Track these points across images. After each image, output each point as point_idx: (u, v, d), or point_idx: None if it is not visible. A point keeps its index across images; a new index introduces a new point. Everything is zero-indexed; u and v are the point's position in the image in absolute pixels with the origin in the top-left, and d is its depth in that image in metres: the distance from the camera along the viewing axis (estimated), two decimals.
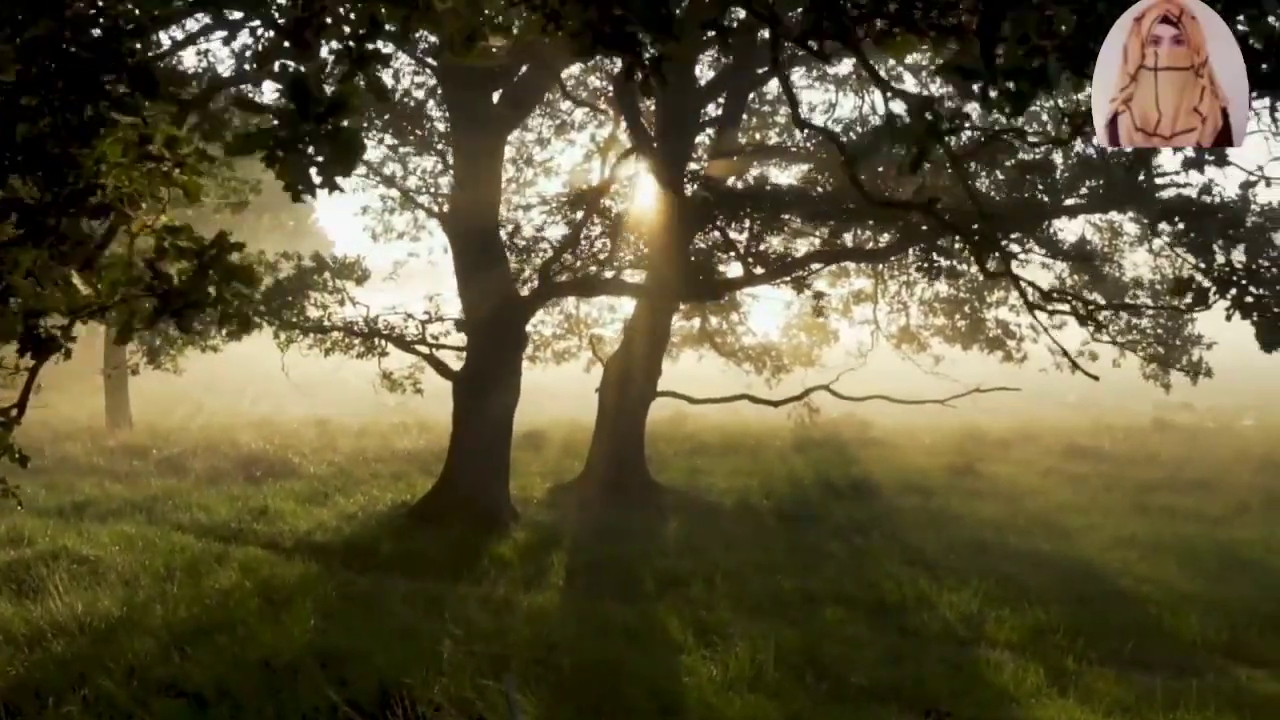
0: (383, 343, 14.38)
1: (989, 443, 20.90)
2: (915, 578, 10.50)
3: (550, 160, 19.70)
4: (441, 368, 13.79)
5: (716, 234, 12.26)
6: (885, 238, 12.77)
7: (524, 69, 12.70)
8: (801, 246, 12.95)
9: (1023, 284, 9.54)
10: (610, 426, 15.69)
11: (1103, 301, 13.74)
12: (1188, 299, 4.44)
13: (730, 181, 15.12)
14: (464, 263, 13.22)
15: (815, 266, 12.40)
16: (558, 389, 27.54)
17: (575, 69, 18.14)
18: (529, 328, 21.65)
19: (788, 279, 11.96)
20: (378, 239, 19.68)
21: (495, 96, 13.09)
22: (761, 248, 11.99)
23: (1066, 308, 11.26)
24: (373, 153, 17.16)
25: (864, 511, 14.47)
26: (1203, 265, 6.45)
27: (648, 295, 13.81)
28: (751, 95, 20.87)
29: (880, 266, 18.48)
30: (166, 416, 24.56)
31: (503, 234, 14.59)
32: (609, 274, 15.64)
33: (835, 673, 7.49)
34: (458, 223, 13.15)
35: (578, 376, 22.13)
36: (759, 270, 11.84)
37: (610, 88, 17.86)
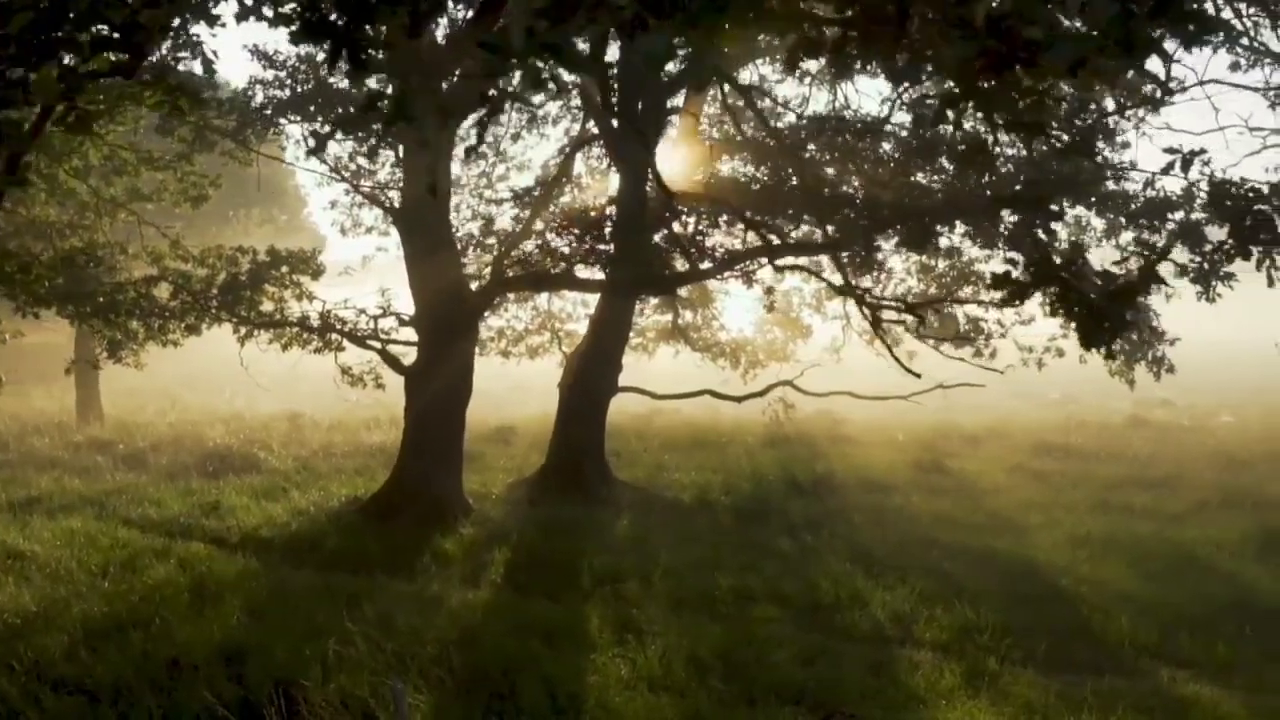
0: (338, 338, 14.28)
1: (960, 439, 20.78)
2: (854, 576, 10.41)
3: (524, 155, 19.61)
4: (394, 363, 13.72)
5: (665, 229, 12.15)
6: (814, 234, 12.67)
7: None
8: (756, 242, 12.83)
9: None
10: (570, 422, 15.61)
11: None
12: (1004, 294, 4.30)
13: (698, 177, 15.02)
14: (415, 258, 13.14)
15: (763, 261, 12.29)
16: (534, 384, 27.47)
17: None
18: (502, 323, 21.69)
19: (735, 273, 11.85)
20: (346, 233, 19.58)
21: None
22: (710, 243, 11.92)
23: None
24: (333, 147, 17.07)
25: (822, 508, 14.37)
26: (1018, 259, 6.32)
27: (599, 289, 13.71)
28: (726, 89, 20.82)
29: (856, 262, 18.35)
30: (140, 411, 24.53)
31: (459, 226, 14.52)
32: (583, 270, 15.61)
33: (748, 673, 7.41)
34: (408, 218, 13.07)
35: (554, 372, 22.05)
36: (705, 265, 11.73)
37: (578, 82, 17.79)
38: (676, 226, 11.67)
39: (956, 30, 2.15)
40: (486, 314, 20.60)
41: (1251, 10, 13.68)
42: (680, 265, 12.39)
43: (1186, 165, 3.56)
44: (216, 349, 19.80)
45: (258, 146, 15.04)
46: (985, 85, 2.74)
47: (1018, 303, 5.53)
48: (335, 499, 14.30)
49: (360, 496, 14.17)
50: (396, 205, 14.15)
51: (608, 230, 11.68)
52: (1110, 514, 13.96)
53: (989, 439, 20.73)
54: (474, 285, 14.68)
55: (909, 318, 12.03)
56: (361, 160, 17.44)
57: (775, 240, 11.68)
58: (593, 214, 13.46)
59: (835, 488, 16.06)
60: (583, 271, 14.59)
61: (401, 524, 12.46)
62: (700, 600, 9.56)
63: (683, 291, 20.78)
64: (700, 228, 11.77)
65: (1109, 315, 3.78)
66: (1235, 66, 11.92)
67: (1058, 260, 4.94)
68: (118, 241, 16.37)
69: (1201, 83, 10.39)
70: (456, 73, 13.05)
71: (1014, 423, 22.93)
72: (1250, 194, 5.17)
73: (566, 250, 12.57)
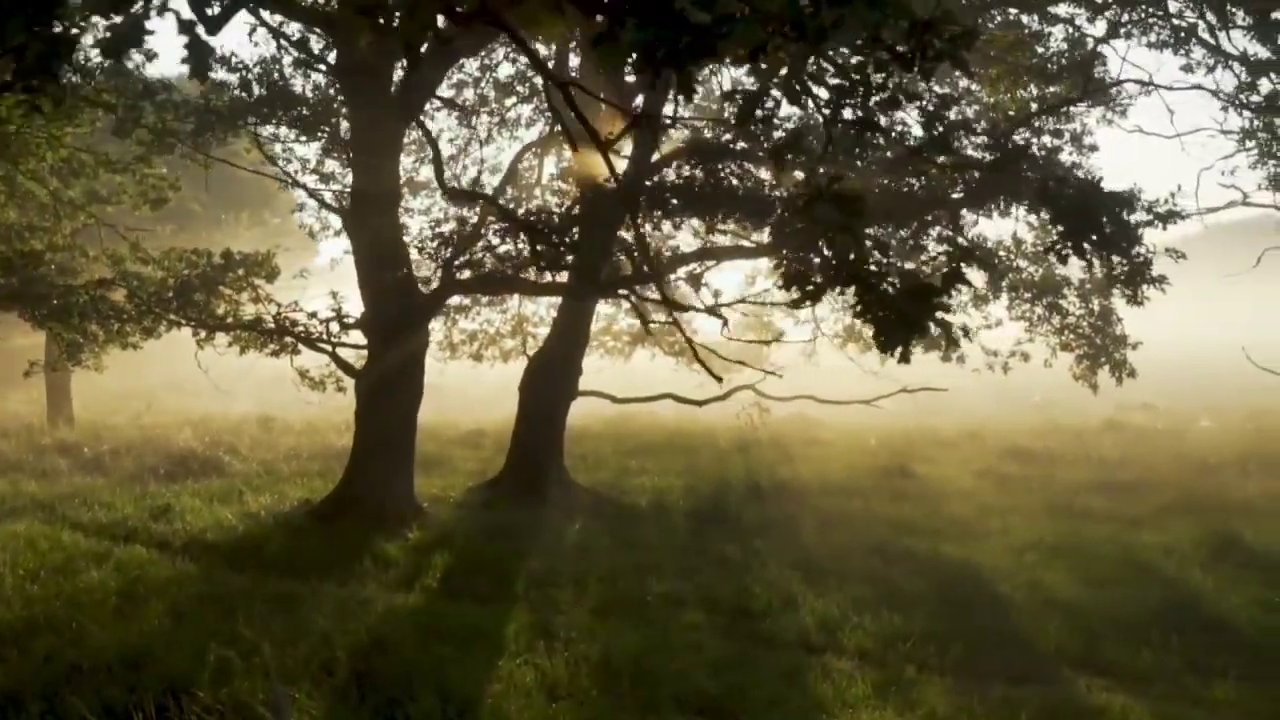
0: (292, 341, 14.25)
1: (933, 443, 20.63)
2: (791, 581, 10.30)
3: (496, 158, 19.59)
4: (345, 366, 13.66)
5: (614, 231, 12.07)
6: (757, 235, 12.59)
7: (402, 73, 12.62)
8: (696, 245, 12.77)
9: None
10: (528, 425, 15.53)
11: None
12: (796, 294, 4.18)
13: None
14: (364, 260, 13.08)
15: (709, 263, 12.20)
16: (515, 387, 27.38)
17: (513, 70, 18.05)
18: (475, 326, 21.63)
19: (680, 276, 11.77)
20: (314, 236, 19.59)
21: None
22: (657, 245, 11.84)
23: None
24: (302, 149, 17.05)
25: (779, 513, 14.26)
26: (816, 259, 6.18)
27: (549, 292, 13.64)
28: (701, 91, 20.72)
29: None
30: (113, 414, 24.51)
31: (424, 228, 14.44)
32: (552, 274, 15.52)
33: (656, 680, 7.31)
34: (355, 218, 13.02)
35: None
36: (648, 268, 11.65)
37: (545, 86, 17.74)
38: (623, 231, 11.59)
39: (633, 19, 2.07)
40: (459, 317, 20.64)
41: (1210, 15, 13.58)
42: (627, 268, 12.32)
43: (1010, 161, 3.45)
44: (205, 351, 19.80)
45: (212, 149, 15.01)
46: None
47: (810, 303, 5.39)
48: (289, 502, 14.23)
49: (313, 499, 14.10)
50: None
51: (549, 233, 11.60)
52: (1068, 518, 13.82)
53: (962, 443, 20.59)
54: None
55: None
56: (333, 164, 17.46)
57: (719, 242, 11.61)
58: (546, 215, 13.39)
59: (796, 492, 15.95)
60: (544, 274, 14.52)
61: (348, 527, 12.40)
62: (629, 606, 9.46)
63: (653, 294, 20.75)
64: (646, 230, 11.69)
65: (910, 317, 3.69)
66: (1187, 69, 11.79)
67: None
68: (79, 244, 16.38)
69: (1120, 82, 10.24)
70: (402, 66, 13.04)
71: (989, 427, 22.78)
72: (1085, 190, 5.02)
73: (515, 252, 12.51)
